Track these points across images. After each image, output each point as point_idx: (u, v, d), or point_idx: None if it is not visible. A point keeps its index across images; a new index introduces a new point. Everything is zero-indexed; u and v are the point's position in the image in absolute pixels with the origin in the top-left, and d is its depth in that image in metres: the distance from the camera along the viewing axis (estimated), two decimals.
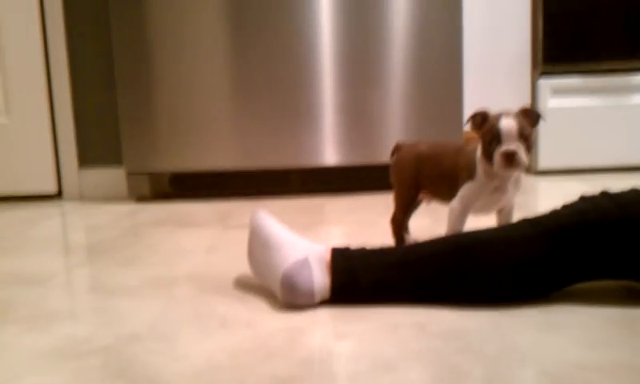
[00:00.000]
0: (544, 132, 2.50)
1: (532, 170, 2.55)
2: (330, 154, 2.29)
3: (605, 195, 1.21)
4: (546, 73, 2.50)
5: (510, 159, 1.29)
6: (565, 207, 1.22)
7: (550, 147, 2.49)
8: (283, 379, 0.94)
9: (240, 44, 2.23)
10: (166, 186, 2.37)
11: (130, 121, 2.28)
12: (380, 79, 2.24)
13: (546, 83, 2.50)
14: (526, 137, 1.31)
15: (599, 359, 0.97)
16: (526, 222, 1.22)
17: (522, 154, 1.29)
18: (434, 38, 2.22)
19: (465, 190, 1.40)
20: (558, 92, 2.50)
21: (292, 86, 2.25)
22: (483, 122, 1.35)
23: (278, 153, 2.29)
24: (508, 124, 1.30)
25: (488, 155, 1.34)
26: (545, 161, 2.52)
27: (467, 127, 1.40)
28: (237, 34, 2.23)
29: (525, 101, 2.51)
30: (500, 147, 1.30)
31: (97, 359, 1.04)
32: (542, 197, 2.17)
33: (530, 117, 1.35)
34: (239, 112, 2.27)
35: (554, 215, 1.21)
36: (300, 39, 2.23)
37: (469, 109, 2.23)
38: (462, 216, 1.41)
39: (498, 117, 1.32)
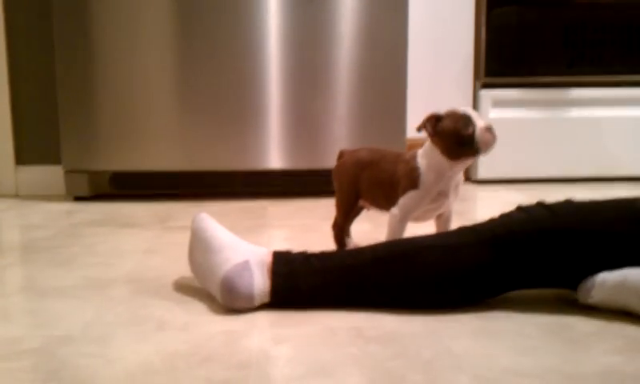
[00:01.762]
0: None
1: (471, 179, 2.60)
2: (274, 157, 2.28)
3: (541, 205, 1.24)
4: (487, 85, 2.55)
5: (492, 131, 1.35)
6: (502, 216, 1.25)
7: (489, 157, 2.54)
8: (218, 383, 0.93)
9: (184, 44, 2.21)
10: (105, 185, 2.32)
11: (70, 118, 2.23)
12: (325, 85, 2.25)
13: (487, 94, 2.55)
14: None
15: (530, 365, 1.00)
16: (465, 230, 1.24)
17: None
18: (380, 47, 2.24)
19: (407, 199, 1.41)
20: (498, 103, 2.56)
21: (237, 88, 2.24)
22: (437, 124, 1.38)
23: (221, 154, 2.27)
24: (470, 109, 1.37)
25: (455, 151, 1.36)
26: (484, 170, 2.57)
27: (422, 133, 1.41)
28: (181, 32, 2.21)
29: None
30: (476, 128, 1.34)
31: (27, 361, 1.01)
32: (480, 205, 2.22)
33: None
34: (182, 112, 2.24)
35: (492, 224, 1.23)
36: (246, 41, 2.22)
37: (412, 116, 2.26)
38: (402, 222, 1.43)
39: (455, 110, 1.37)
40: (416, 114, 2.36)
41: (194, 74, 2.23)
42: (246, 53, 2.22)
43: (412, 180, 1.40)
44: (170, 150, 2.26)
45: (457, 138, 1.35)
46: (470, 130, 1.34)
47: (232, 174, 2.33)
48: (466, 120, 1.34)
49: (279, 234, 1.80)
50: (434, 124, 1.38)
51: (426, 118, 1.39)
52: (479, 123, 1.35)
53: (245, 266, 1.21)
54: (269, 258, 1.23)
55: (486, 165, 2.55)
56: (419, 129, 1.40)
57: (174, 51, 2.21)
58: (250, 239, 1.33)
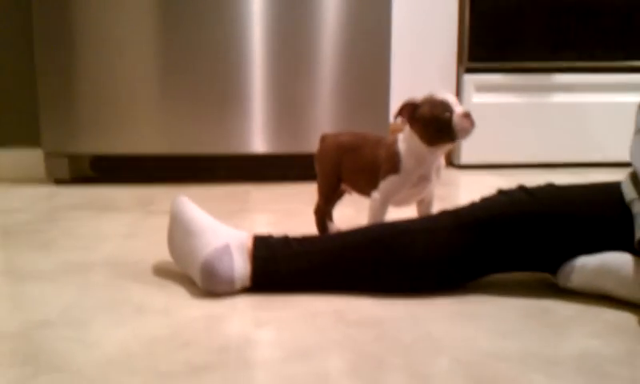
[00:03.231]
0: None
1: (454, 164, 2.61)
2: (257, 141, 2.27)
3: (522, 189, 1.24)
4: (470, 69, 2.55)
5: (470, 117, 1.33)
6: (483, 200, 1.25)
7: (472, 142, 2.54)
8: (198, 367, 0.93)
9: (167, 26, 2.18)
10: (86, 168, 2.30)
11: (50, 100, 2.20)
12: (308, 70, 2.24)
13: (470, 79, 2.55)
14: None
15: (509, 348, 1.00)
16: (445, 214, 1.24)
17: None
18: (363, 31, 2.23)
19: (387, 183, 1.41)
20: (481, 88, 2.56)
21: (220, 71, 2.22)
22: (414, 110, 1.37)
23: (204, 139, 2.26)
24: (449, 94, 1.36)
25: (433, 137, 1.35)
26: (467, 155, 2.57)
27: (397, 120, 1.40)
28: (164, 14, 2.18)
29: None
30: (454, 114, 1.32)
31: (4, 345, 1.00)
32: (463, 190, 2.22)
33: None
34: (165, 96, 2.22)
35: (472, 208, 1.23)
36: (229, 24, 2.20)
37: (395, 101, 2.25)
38: (383, 206, 1.43)
39: (433, 95, 1.35)
40: (399, 98, 2.35)
41: (176, 57, 2.20)
42: (229, 36, 2.20)
43: (393, 165, 1.40)
44: (151, 134, 2.24)
45: (434, 124, 1.34)
46: (448, 116, 1.33)
47: (215, 158, 2.32)
48: (444, 106, 1.33)
49: (262, 218, 1.80)
50: (411, 111, 1.37)
51: (401, 106, 1.38)
52: (457, 109, 1.34)
53: (225, 249, 1.20)
54: (249, 242, 1.22)
55: (469, 150, 2.55)
56: (396, 116, 1.39)
57: (156, 33, 2.19)
58: (232, 224, 1.32)
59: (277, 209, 1.91)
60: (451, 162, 2.60)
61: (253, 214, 1.84)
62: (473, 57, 2.53)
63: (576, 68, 2.59)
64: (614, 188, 1.22)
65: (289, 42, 2.22)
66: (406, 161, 1.39)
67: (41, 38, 2.18)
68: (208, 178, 2.34)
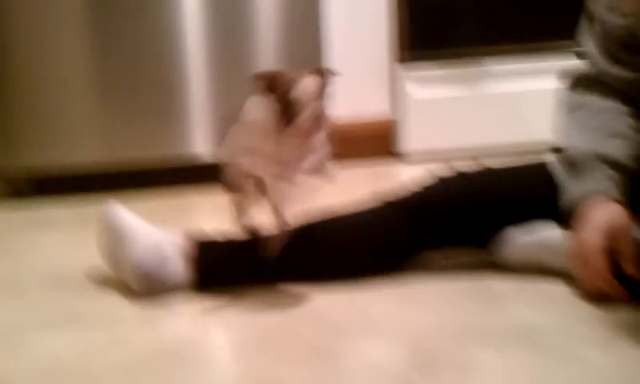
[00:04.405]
0: (407, 120, 2.57)
1: (395, 157, 2.62)
2: (199, 148, 2.24)
3: (452, 171, 1.26)
4: (406, 61, 2.57)
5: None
6: (414, 184, 1.26)
7: (411, 135, 2.57)
8: (134, 367, 0.91)
9: (103, 33, 2.13)
10: (21, 183, 2.23)
11: None
12: (246, 70, 2.23)
13: (406, 72, 2.57)
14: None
15: (447, 325, 1.01)
16: (377, 198, 1.25)
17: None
18: (297, 29, 2.23)
19: None
20: (417, 80, 2.58)
21: (158, 76, 2.18)
22: (273, 86, 1.12)
23: (145, 149, 2.21)
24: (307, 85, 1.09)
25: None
26: (406, 147, 2.59)
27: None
28: (100, 23, 2.13)
29: (386, 89, 2.58)
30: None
31: None
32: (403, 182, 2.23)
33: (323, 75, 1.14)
34: (102, 103, 2.16)
35: (403, 191, 1.25)
36: (165, 27, 2.17)
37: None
38: None
39: (294, 78, 1.10)
40: (336, 96, 2.37)
41: (113, 65, 2.15)
42: (165, 38, 2.17)
43: None
44: (89, 147, 2.18)
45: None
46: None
47: (154, 166, 2.28)
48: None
49: (202, 222, 1.77)
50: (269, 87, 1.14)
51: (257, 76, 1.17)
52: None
53: (157, 250, 1.18)
54: (183, 242, 1.21)
55: (409, 142, 2.57)
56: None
57: (93, 41, 2.13)
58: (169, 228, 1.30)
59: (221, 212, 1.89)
60: (391, 154, 2.61)
61: (194, 219, 1.81)
62: (407, 49, 2.55)
63: (508, 51, 2.63)
64: (542, 165, 1.24)
65: (226, 41, 2.20)
66: None
67: None
68: (148, 187, 2.30)
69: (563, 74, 1.27)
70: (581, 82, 1.24)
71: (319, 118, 1.10)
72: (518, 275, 1.19)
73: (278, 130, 1.11)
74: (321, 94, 1.11)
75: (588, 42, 1.22)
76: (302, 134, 1.09)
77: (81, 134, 2.17)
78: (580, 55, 1.25)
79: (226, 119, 2.17)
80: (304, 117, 1.08)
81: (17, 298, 1.23)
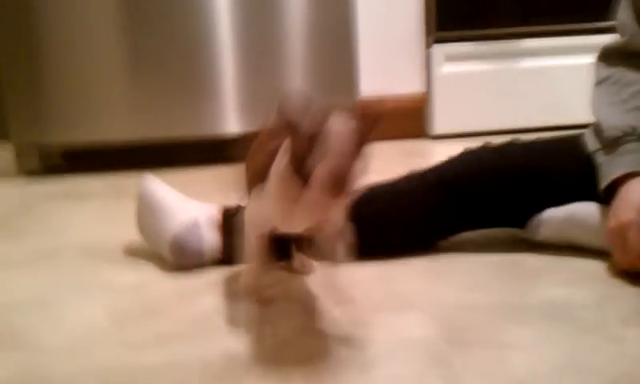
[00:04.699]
0: (438, 98, 2.55)
1: (426, 135, 2.61)
2: (229, 122, 2.26)
3: (486, 147, 1.25)
4: (439, 39, 2.55)
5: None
6: (449, 160, 1.25)
7: (444, 112, 2.55)
8: (168, 336, 0.93)
9: (133, 8, 2.16)
10: (57, 159, 2.28)
11: (16, 91, 2.17)
12: (277, 46, 2.23)
13: (440, 50, 2.55)
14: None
15: (479, 300, 1.01)
16: (412, 175, 1.24)
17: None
18: (328, 4, 2.22)
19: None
20: (451, 58, 2.56)
21: (188, 54, 2.20)
22: (293, 126, 0.78)
23: (175, 123, 2.24)
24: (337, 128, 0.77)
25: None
26: (439, 126, 2.57)
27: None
28: (132, 3, 2.15)
29: (419, 67, 2.55)
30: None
31: None
32: (436, 161, 2.22)
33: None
34: (134, 80, 2.19)
35: (438, 167, 1.24)
36: (197, 6, 2.18)
37: (365, 76, 2.27)
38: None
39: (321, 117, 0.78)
40: (368, 72, 2.36)
41: (145, 41, 2.18)
42: (196, 17, 2.18)
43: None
44: (122, 120, 2.22)
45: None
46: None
47: (186, 142, 2.30)
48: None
49: (234, 197, 1.79)
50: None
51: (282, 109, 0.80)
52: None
53: (193, 224, 1.19)
54: (218, 215, 1.22)
55: (441, 120, 2.55)
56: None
57: (125, 17, 2.16)
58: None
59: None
60: (423, 133, 2.60)
61: (225, 194, 1.82)
62: (441, 27, 2.52)
63: (544, 32, 2.60)
64: (575, 140, 1.23)
65: (256, 21, 2.21)
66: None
67: (3, 27, 2.14)
68: (181, 163, 2.32)
69: (599, 51, 1.26)
70: (610, 54, 1.22)
71: (341, 181, 0.76)
72: (553, 252, 1.18)
73: (292, 186, 0.82)
74: (354, 144, 0.77)
75: (623, 11, 1.20)
76: (315, 197, 0.77)
77: (114, 112, 2.20)
78: (616, 29, 1.23)
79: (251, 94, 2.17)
80: (320, 172, 0.75)
81: (55, 268, 1.26)
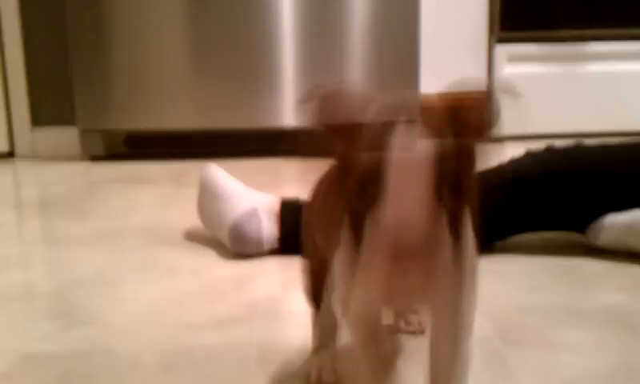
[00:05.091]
0: (502, 98, 2.53)
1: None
2: (288, 115, 2.28)
3: (548, 149, 1.23)
4: (502, 40, 2.52)
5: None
6: (510, 161, 1.24)
7: (507, 113, 2.52)
8: (225, 319, 0.95)
9: (200, 7, 2.20)
10: (120, 145, 2.34)
11: (84, 78, 2.24)
12: (338, 40, 2.24)
13: (503, 50, 2.52)
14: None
15: (536, 302, 1.00)
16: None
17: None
18: (392, 3, 2.22)
19: None
20: (514, 59, 2.53)
21: (251, 46, 2.23)
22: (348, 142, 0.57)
23: (236, 113, 2.27)
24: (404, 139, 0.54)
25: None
26: (502, 126, 2.55)
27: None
28: None
29: (481, 67, 2.53)
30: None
31: (39, 302, 1.04)
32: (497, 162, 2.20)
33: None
34: (196, 70, 2.24)
35: (500, 169, 1.22)
36: (259, 1, 2.21)
37: (426, 74, 2.26)
38: None
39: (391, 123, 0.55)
40: (430, 70, 2.35)
41: (208, 32, 2.22)
42: (259, 9, 2.21)
43: None
44: (184, 110, 2.27)
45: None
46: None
47: (246, 133, 2.33)
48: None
49: (291, 189, 1.81)
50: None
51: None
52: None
53: (253, 212, 1.22)
54: (277, 206, 1.24)
55: (504, 122, 2.53)
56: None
57: (188, 8, 2.21)
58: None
59: (306, 181, 1.92)
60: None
61: (283, 186, 1.85)
62: (504, 27, 2.50)
63: (610, 36, 2.54)
64: (636, 143, 1.21)
65: (318, 14, 2.22)
66: None
67: (73, 16, 2.21)
68: (239, 153, 2.36)
69: None
70: None
71: (414, 238, 0.52)
72: (611, 258, 1.16)
73: (351, 237, 0.58)
74: (436, 177, 0.53)
75: None
76: (383, 266, 0.53)
77: (176, 101, 2.25)
78: None
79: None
80: (378, 232, 0.52)
81: (118, 249, 1.30)
